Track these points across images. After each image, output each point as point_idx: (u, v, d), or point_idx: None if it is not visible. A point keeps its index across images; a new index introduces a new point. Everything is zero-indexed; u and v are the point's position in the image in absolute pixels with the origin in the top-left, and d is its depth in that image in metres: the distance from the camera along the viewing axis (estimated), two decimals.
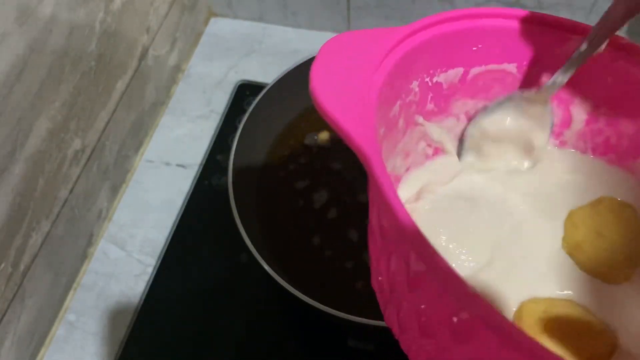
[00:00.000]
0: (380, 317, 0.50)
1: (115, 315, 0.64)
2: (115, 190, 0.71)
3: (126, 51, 0.68)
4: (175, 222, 0.69)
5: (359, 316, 0.50)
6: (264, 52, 0.83)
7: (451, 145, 0.39)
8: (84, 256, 0.67)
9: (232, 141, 0.60)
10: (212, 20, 0.87)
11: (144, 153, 0.75)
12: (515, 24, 0.36)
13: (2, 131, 0.50)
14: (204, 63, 0.83)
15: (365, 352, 0.59)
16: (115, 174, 0.70)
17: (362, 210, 0.61)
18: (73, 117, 0.60)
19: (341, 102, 0.28)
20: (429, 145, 0.39)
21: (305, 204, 0.62)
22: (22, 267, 0.56)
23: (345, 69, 0.30)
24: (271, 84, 0.64)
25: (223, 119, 0.77)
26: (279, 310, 0.63)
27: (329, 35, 0.83)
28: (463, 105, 0.38)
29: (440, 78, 0.36)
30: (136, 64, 0.70)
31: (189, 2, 0.81)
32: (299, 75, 0.65)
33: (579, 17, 0.72)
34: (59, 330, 0.64)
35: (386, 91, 0.31)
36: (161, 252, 0.67)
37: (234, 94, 0.79)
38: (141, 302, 0.64)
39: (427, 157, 0.39)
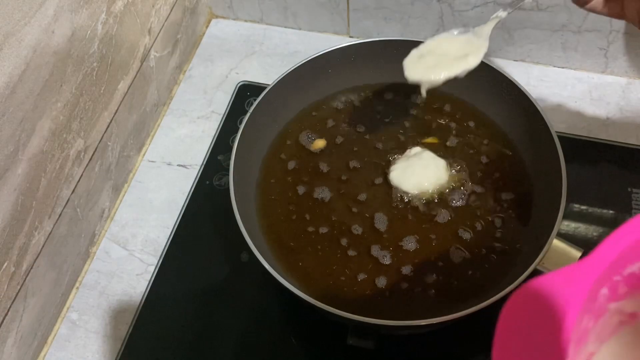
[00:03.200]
0: (379, 315, 0.51)
1: (117, 313, 0.64)
2: (117, 190, 0.72)
3: (128, 52, 0.68)
4: (176, 221, 0.70)
5: (359, 315, 0.51)
6: (265, 53, 0.84)
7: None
8: (86, 255, 0.68)
9: (233, 141, 0.61)
10: (213, 21, 0.88)
11: (145, 153, 0.76)
12: None
13: (5, 131, 0.50)
14: (205, 64, 0.83)
15: (365, 350, 0.59)
16: (117, 174, 0.71)
17: (363, 209, 0.62)
18: (75, 117, 0.60)
19: None
20: (623, 316, 0.38)
21: (305, 204, 0.62)
22: (24, 266, 0.57)
23: (532, 330, 0.28)
24: (272, 85, 0.65)
25: (224, 119, 0.77)
26: (279, 308, 0.64)
27: (329, 37, 0.84)
28: None
29: (634, 268, 0.35)
30: (138, 65, 0.71)
31: (190, 3, 0.81)
32: (299, 76, 0.66)
33: (575, 19, 0.72)
34: (61, 329, 0.64)
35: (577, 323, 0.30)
36: (162, 251, 0.68)
37: (234, 94, 0.79)
38: (143, 301, 0.65)
39: (621, 323, 0.38)
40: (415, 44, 0.67)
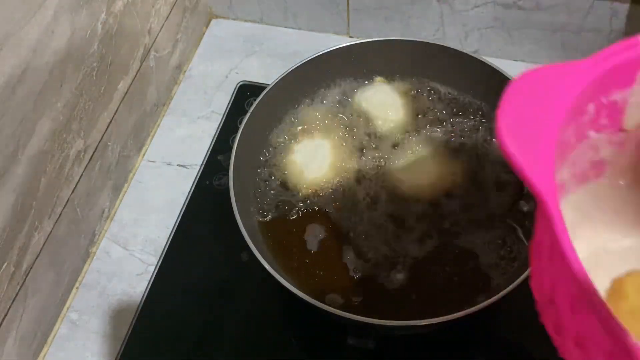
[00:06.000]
0: (379, 315, 0.51)
1: (117, 313, 0.64)
2: (117, 190, 0.72)
3: (128, 52, 0.68)
4: (176, 221, 0.70)
5: (359, 314, 0.51)
6: (265, 53, 0.84)
7: (616, 160, 0.40)
8: (86, 255, 0.68)
9: (232, 141, 0.61)
10: (213, 21, 0.88)
11: (145, 153, 0.76)
12: None
13: (5, 132, 0.50)
14: (205, 64, 0.83)
15: (365, 350, 0.59)
16: (117, 174, 0.71)
17: (364, 208, 0.61)
18: (75, 117, 0.60)
19: (524, 143, 0.30)
20: (595, 156, 0.39)
21: (305, 203, 0.62)
22: (24, 266, 0.57)
23: (530, 109, 0.31)
24: (271, 85, 0.65)
25: (224, 119, 0.77)
26: (279, 308, 0.64)
27: (329, 37, 0.84)
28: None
29: (617, 96, 0.36)
30: (138, 65, 0.71)
31: (190, 3, 0.81)
32: (299, 76, 0.66)
33: (575, 19, 0.72)
34: (61, 329, 0.64)
35: (565, 121, 0.33)
36: (162, 251, 0.68)
37: (234, 94, 0.79)
38: (143, 301, 0.65)
39: (592, 165, 0.40)
40: (416, 43, 0.67)
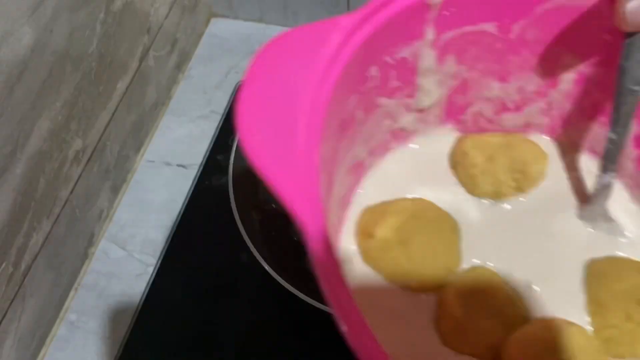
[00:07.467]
0: None
1: (116, 314, 0.64)
2: (116, 190, 0.71)
3: (127, 52, 0.68)
4: (175, 222, 0.69)
5: None
6: None
7: (420, 125, 0.36)
8: (84, 256, 0.68)
9: (232, 141, 0.61)
10: (213, 20, 0.87)
11: (144, 153, 0.75)
12: None
13: (3, 131, 0.50)
14: (205, 64, 0.83)
15: None
16: (116, 174, 0.71)
17: None
18: (74, 117, 0.60)
19: (277, 155, 0.22)
20: (394, 125, 0.35)
21: None
22: (23, 266, 0.57)
23: (278, 98, 0.23)
24: None
25: (223, 119, 0.77)
26: (279, 310, 0.64)
27: None
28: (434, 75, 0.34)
29: (405, 53, 0.31)
30: (137, 64, 0.71)
31: (190, 2, 0.81)
32: None
33: None
34: (60, 330, 0.64)
35: (336, 97, 0.26)
36: (162, 251, 0.67)
37: (234, 94, 0.79)
38: (142, 302, 0.64)
39: (392, 135, 0.35)
40: None
